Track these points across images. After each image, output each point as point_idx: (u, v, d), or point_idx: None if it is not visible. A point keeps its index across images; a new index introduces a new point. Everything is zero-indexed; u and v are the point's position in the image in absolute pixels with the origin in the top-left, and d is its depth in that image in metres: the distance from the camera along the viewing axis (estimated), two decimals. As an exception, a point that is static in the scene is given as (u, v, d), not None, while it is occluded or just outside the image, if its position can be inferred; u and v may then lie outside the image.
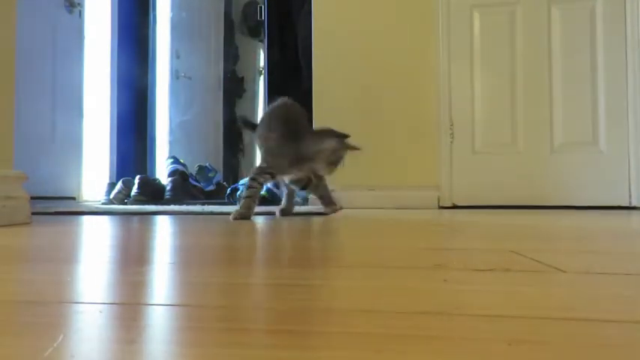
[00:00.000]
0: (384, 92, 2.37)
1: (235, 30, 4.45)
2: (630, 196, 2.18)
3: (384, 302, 0.41)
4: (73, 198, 2.95)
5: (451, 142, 2.30)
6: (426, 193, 2.25)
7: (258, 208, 2.01)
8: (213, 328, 0.34)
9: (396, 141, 2.33)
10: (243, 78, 4.45)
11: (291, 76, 4.28)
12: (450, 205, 2.26)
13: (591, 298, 0.43)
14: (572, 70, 2.25)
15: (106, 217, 1.59)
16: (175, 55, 3.73)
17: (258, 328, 0.35)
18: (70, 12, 2.99)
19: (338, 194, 2.32)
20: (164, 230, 1.17)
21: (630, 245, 0.88)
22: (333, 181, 2.37)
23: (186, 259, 0.70)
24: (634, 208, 2.16)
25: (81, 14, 3.06)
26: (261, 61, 4.37)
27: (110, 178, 3.06)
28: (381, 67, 2.37)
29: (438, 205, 2.25)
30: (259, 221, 1.41)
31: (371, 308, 0.39)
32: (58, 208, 1.95)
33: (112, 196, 2.45)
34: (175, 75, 3.72)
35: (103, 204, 2.43)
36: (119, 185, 2.46)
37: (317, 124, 2.41)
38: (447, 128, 2.31)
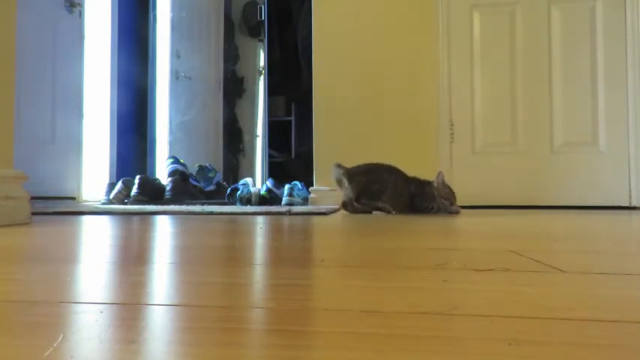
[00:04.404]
0: (384, 92, 2.37)
1: (235, 30, 4.45)
2: (630, 196, 2.18)
3: (384, 302, 0.41)
4: (73, 198, 2.95)
5: (451, 142, 2.31)
6: (426, 193, 2.25)
7: (258, 208, 2.01)
8: (213, 328, 0.34)
9: (396, 141, 2.33)
10: (243, 78, 4.45)
11: (291, 75, 4.28)
12: (449, 205, 2.25)
13: (591, 298, 0.43)
14: (572, 70, 2.26)
15: (106, 217, 1.59)
16: (175, 55, 3.72)
17: (258, 328, 0.35)
18: (70, 12, 2.99)
19: (337, 194, 2.32)
20: (164, 230, 1.17)
21: (630, 245, 0.88)
22: (333, 181, 2.37)
23: (186, 259, 0.70)
24: (634, 208, 2.16)
25: (81, 14, 3.06)
26: (261, 61, 4.37)
27: (110, 178, 3.06)
28: (381, 66, 2.37)
29: (438, 205, 2.25)
30: (260, 221, 1.41)
31: (371, 308, 0.39)
32: (58, 208, 1.95)
33: (112, 196, 2.45)
34: (175, 75, 3.72)
35: (103, 204, 2.43)
36: (119, 185, 2.46)
37: (316, 124, 2.41)
38: (447, 128, 2.31)
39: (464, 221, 1.45)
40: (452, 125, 2.31)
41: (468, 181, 2.27)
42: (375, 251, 0.77)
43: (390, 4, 2.39)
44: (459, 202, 2.26)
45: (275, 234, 1.09)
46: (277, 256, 0.74)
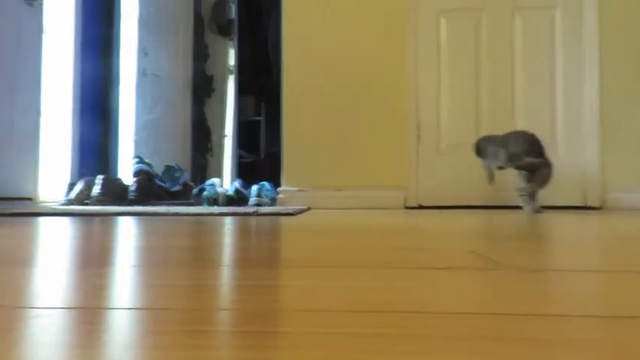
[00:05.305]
0: (352, 94, 2.39)
1: (205, 28, 4.38)
2: (585, 197, 2.28)
3: (354, 302, 0.41)
4: (30, 199, 2.83)
5: (418, 143, 2.35)
6: (393, 194, 2.28)
7: (225, 209, 1.99)
8: (176, 330, 0.34)
9: (364, 142, 2.35)
10: (212, 76, 4.38)
11: (262, 74, 4.25)
12: (416, 205, 2.30)
13: (551, 295, 0.45)
14: (533, 74, 2.34)
15: (66, 219, 1.54)
16: (143, 52, 3.63)
17: (224, 329, 0.35)
18: (31, 5, 2.86)
19: (305, 194, 2.33)
20: (127, 232, 1.14)
21: (587, 243, 0.92)
22: (302, 182, 2.37)
23: (151, 260, 0.68)
24: (589, 207, 2.26)
25: (42, 8, 2.94)
26: (232, 59, 4.32)
27: (71, 177, 2.95)
28: (350, 68, 2.39)
29: (405, 206, 2.29)
30: (227, 222, 1.40)
31: (340, 308, 0.39)
32: (14, 209, 1.86)
33: (72, 196, 2.36)
34: (142, 72, 3.63)
35: (62, 205, 2.34)
36: (80, 185, 2.38)
37: (286, 124, 2.40)
38: (414, 129, 2.35)
39: (430, 221, 1.47)
40: (419, 127, 2.35)
41: (434, 182, 2.32)
42: (343, 251, 0.78)
43: (359, 7, 2.41)
44: (426, 202, 2.31)
45: (242, 235, 1.08)
46: (244, 257, 0.73)
